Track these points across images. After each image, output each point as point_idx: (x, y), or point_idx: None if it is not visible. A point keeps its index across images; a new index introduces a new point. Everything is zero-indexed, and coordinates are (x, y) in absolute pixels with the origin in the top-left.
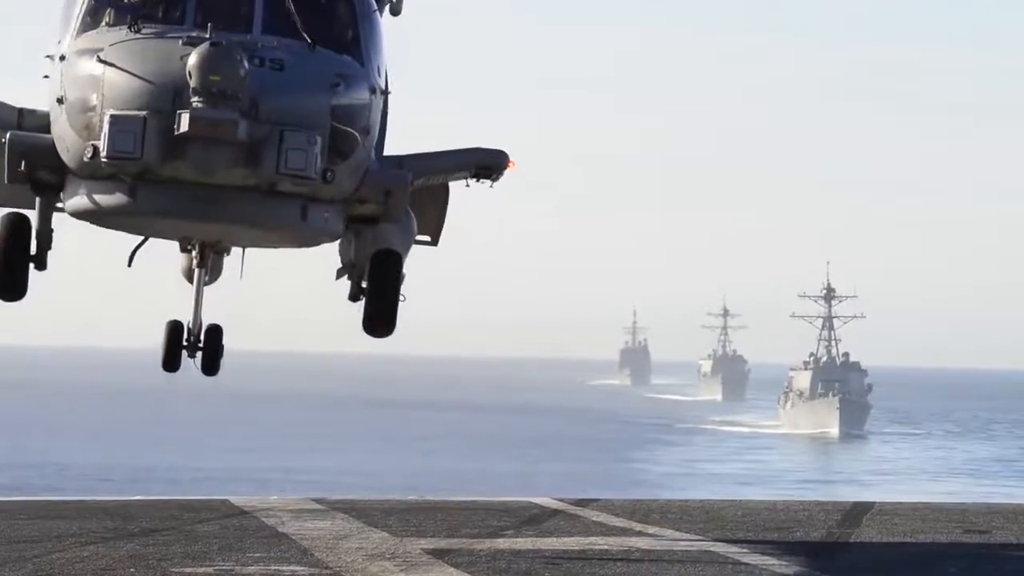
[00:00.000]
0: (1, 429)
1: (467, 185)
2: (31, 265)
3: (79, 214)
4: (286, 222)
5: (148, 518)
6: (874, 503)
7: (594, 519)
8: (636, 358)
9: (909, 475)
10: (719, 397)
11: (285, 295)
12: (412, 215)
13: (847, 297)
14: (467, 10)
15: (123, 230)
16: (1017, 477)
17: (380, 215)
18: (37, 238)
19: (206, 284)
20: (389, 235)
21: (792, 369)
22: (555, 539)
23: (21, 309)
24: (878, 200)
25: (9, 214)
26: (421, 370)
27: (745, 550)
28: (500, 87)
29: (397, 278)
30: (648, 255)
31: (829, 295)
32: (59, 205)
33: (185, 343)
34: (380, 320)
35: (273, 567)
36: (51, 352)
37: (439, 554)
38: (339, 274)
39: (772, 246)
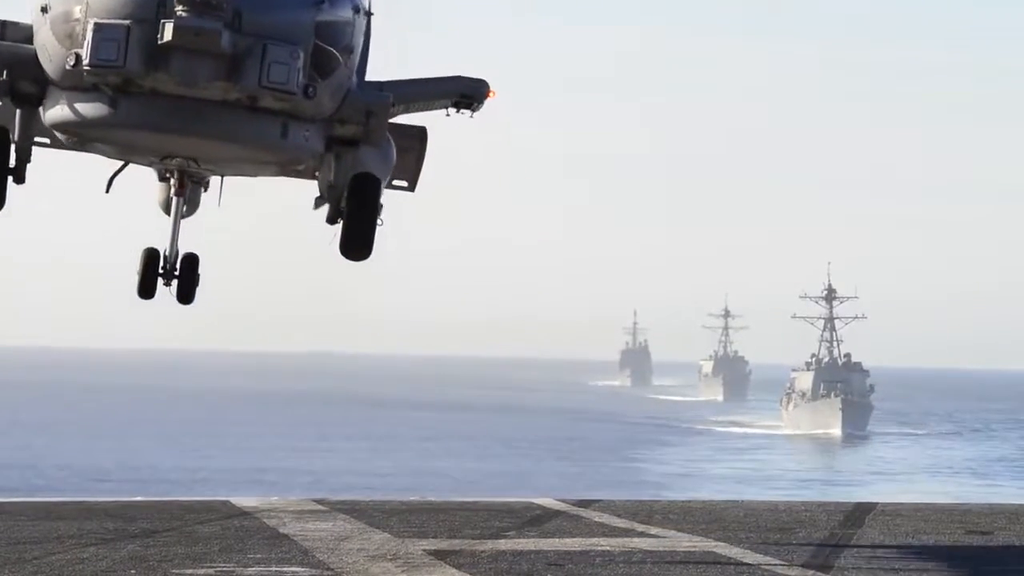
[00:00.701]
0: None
1: (447, 115)
2: (9, 178)
3: (59, 125)
4: (266, 139)
5: (149, 519)
6: (876, 504)
7: (596, 520)
8: (637, 359)
9: (911, 475)
10: (720, 398)
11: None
12: (392, 142)
13: (848, 298)
14: (467, 9)
15: (103, 143)
16: (1019, 477)
17: (361, 137)
18: (16, 151)
19: (184, 217)
20: (369, 159)
21: (794, 370)
22: (557, 540)
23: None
24: (878, 201)
25: None
26: (420, 370)
27: (747, 551)
28: (499, 87)
29: (376, 202)
30: (649, 256)
31: (830, 296)
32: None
33: (161, 271)
34: (357, 243)
35: (274, 568)
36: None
37: (441, 555)
38: (317, 203)
39: (773, 247)
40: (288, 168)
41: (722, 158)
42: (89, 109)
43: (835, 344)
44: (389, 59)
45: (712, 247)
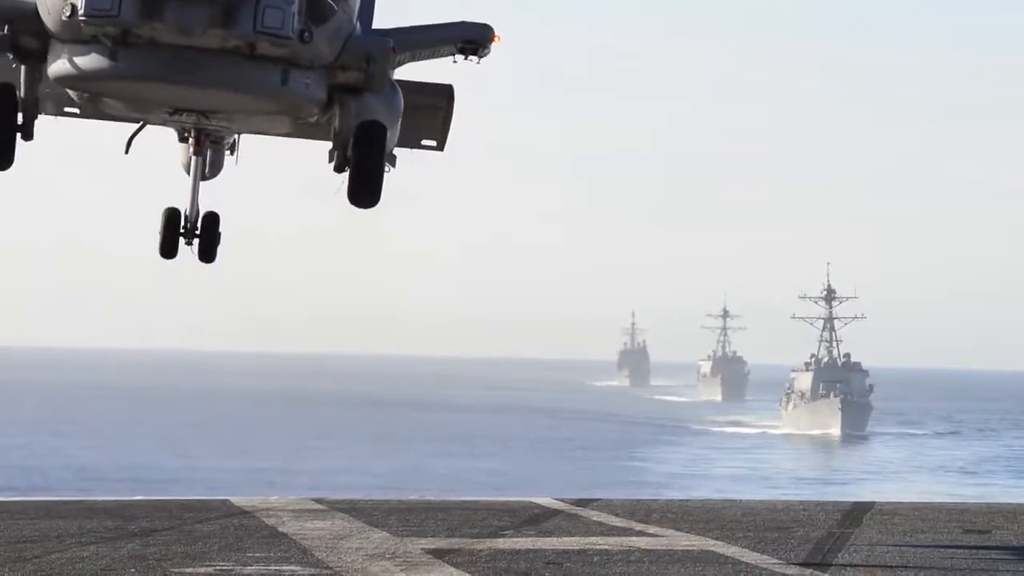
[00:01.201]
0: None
1: (454, 61)
2: (18, 135)
3: (62, 79)
4: (267, 87)
5: (148, 518)
6: (874, 503)
7: (594, 519)
8: (635, 359)
9: (909, 475)
10: (719, 398)
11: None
12: (399, 91)
13: (847, 298)
14: (467, 9)
15: (106, 96)
16: (1017, 476)
17: (363, 84)
18: (23, 107)
19: (207, 179)
20: (374, 107)
21: (793, 370)
22: (555, 539)
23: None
24: (878, 201)
25: None
26: (418, 369)
27: (745, 550)
28: (500, 88)
29: (382, 149)
30: (647, 257)
31: (830, 296)
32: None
33: (182, 230)
34: (364, 190)
35: (273, 567)
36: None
37: (439, 554)
38: (331, 157)
39: (771, 248)
40: (297, 120)
41: (721, 158)
42: (89, 61)
43: (835, 344)
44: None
45: (711, 248)
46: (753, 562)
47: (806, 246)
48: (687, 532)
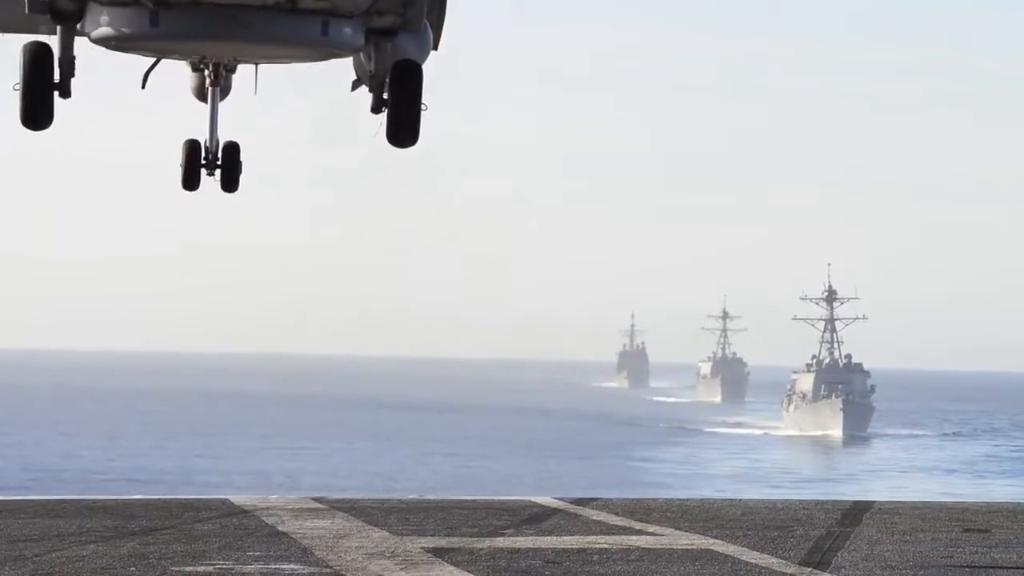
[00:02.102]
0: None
1: None
2: (56, 93)
3: (102, 41)
4: (308, 38)
5: (148, 517)
6: (874, 502)
7: (594, 518)
8: (634, 361)
9: (911, 475)
10: (718, 399)
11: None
12: (429, 28)
13: (848, 299)
14: (465, 10)
15: (144, 54)
16: (1019, 476)
17: (400, 26)
18: (60, 66)
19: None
20: (408, 46)
21: (795, 371)
22: (555, 538)
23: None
24: (878, 202)
25: (31, 43)
26: (414, 371)
27: (745, 548)
28: (499, 87)
29: (418, 88)
30: (646, 258)
31: (831, 297)
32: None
33: (203, 161)
34: (404, 130)
35: (273, 566)
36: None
37: (439, 553)
38: (354, 86)
39: (771, 249)
40: (329, 59)
41: (721, 159)
42: (129, 23)
43: (836, 345)
44: None
45: (710, 249)
46: (753, 561)
47: (806, 247)
48: (687, 531)
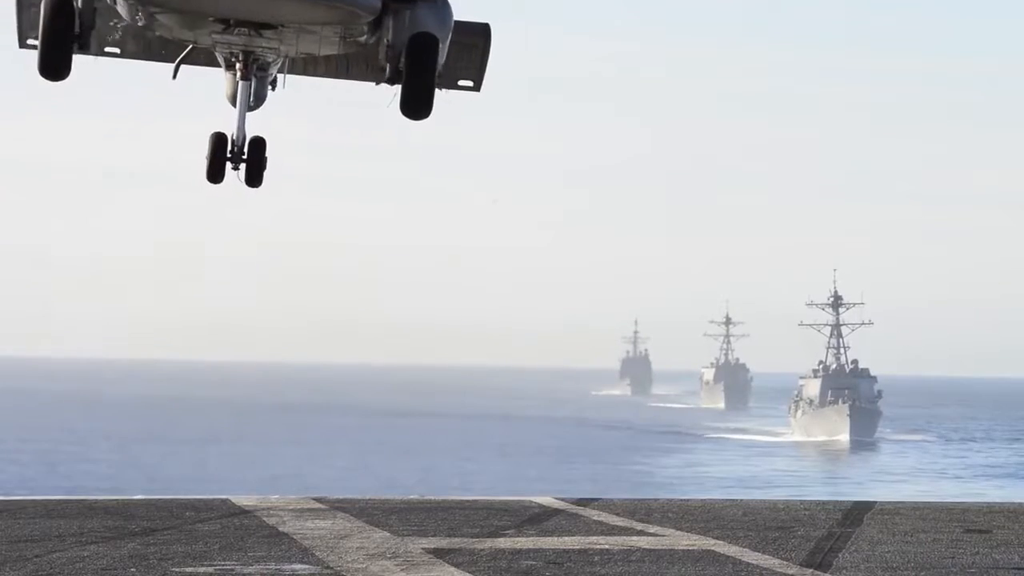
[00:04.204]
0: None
1: None
2: (75, 45)
3: None
4: None
5: (149, 517)
6: (875, 502)
7: (595, 518)
8: (637, 367)
9: (919, 480)
10: (722, 405)
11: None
12: (449, 5)
13: (854, 304)
14: (466, 14)
15: (166, 10)
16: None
17: None
18: (80, 18)
19: (251, 109)
20: (426, 18)
21: (801, 377)
22: (556, 538)
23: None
24: (882, 208)
25: None
26: (415, 378)
27: (746, 549)
28: (501, 96)
29: (434, 61)
30: (649, 265)
31: (837, 302)
32: None
33: (229, 155)
34: (417, 102)
35: (274, 566)
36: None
37: (440, 553)
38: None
39: (774, 255)
40: (348, 34)
41: (723, 165)
42: None
43: (842, 351)
44: None
45: (713, 256)
46: (754, 562)
47: (809, 253)
48: (688, 532)
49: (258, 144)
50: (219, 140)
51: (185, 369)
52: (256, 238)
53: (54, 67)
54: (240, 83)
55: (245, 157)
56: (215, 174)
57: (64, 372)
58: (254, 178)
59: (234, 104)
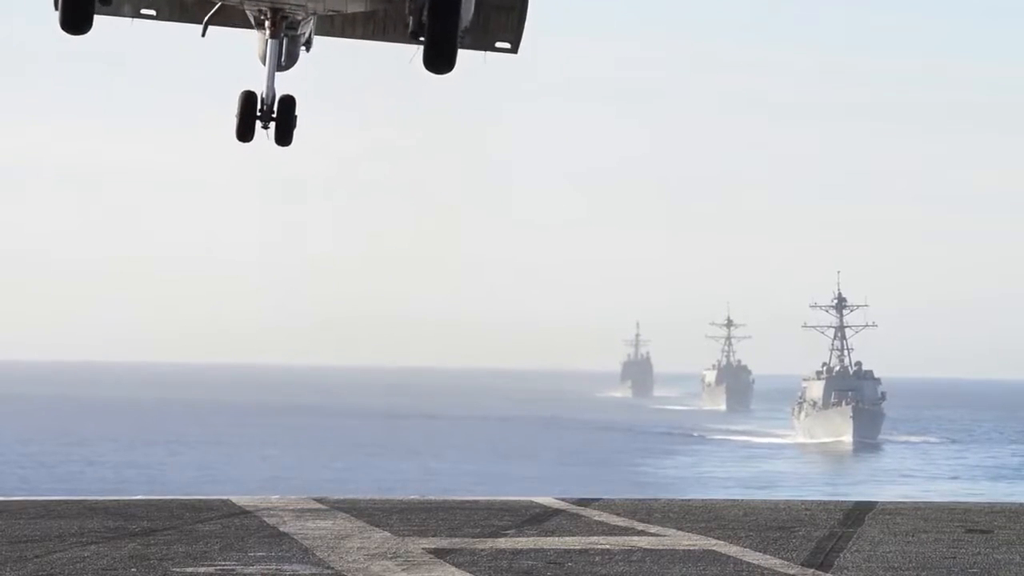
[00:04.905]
0: None
1: None
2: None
3: None
4: None
5: (149, 518)
6: (876, 502)
7: (596, 518)
8: (638, 370)
9: (920, 481)
10: (723, 407)
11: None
12: None
13: (858, 306)
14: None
15: None
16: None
17: None
18: None
19: (282, 69)
20: None
21: (805, 379)
22: (557, 538)
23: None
24: (885, 209)
25: None
26: (415, 380)
27: (747, 549)
28: (503, 98)
29: (456, 16)
30: (651, 268)
31: (840, 305)
32: None
33: (258, 113)
34: (439, 56)
35: (275, 566)
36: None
37: (441, 553)
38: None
39: (776, 257)
40: None
41: (724, 168)
42: None
43: (846, 352)
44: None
45: (714, 258)
46: (755, 562)
47: (810, 255)
48: (689, 532)
49: (288, 103)
50: (248, 98)
51: (185, 371)
52: (257, 239)
53: (76, 23)
54: (269, 41)
55: (275, 116)
56: (245, 132)
57: (61, 375)
58: (283, 137)
59: (264, 62)
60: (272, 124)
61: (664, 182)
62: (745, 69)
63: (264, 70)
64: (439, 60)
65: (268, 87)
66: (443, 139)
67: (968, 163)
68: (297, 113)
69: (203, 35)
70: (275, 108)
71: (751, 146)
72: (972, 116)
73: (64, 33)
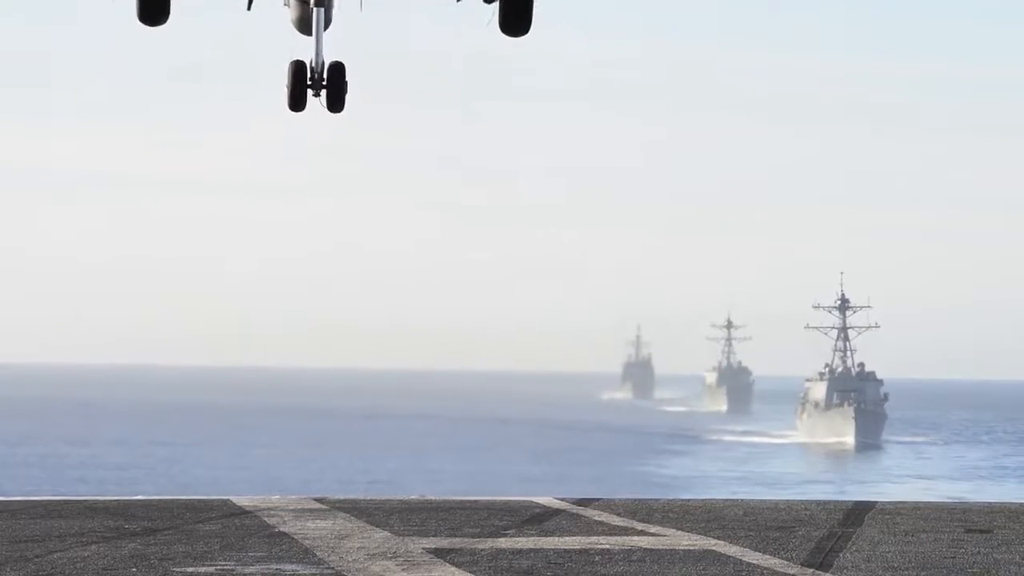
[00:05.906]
0: None
1: None
2: None
3: None
4: None
5: (150, 517)
6: (876, 502)
7: (596, 518)
8: (639, 371)
9: (922, 481)
10: (724, 408)
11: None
12: None
13: (861, 307)
14: (465, 17)
15: None
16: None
17: None
18: None
19: (308, 35)
20: None
21: (807, 380)
22: (557, 538)
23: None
24: (888, 211)
25: None
26: (416, 384)
27: (747, 549)
28: (503, 101)
29: None
30: (651, 269)
31: (843, 306)
32: None
33: (309, 82)
34: (517, 18)
35: (274, 566)
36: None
37: (441, 553)
38: None
39: (777, 259)
40: None
41: (725, 169)
42: None
43: (848, 354)
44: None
45: (715, 259)
46: (755, 562)
47: (810, 256)
48: (689, 532)
49: (338, 68)
50: (298, 68)
51: (181, 374)
52: (258, 243)
53: (153, 14)
54: (315, 9)
55: (325, 83)
56: (297, 102)
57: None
58: (335, 103)
59: (300, 30)
60: (323, 92)
61: (664, 183)
62: (747, 69)
63: (310, 40)
64: (518, 23)
65: (316, 54)
66: (439, 139)
67: (969, 164)
68: (347, 79)
69: (248, 8)
70: (325, 75)
71: (753, 146)
72: (973, 117)
73: (142, 25)
